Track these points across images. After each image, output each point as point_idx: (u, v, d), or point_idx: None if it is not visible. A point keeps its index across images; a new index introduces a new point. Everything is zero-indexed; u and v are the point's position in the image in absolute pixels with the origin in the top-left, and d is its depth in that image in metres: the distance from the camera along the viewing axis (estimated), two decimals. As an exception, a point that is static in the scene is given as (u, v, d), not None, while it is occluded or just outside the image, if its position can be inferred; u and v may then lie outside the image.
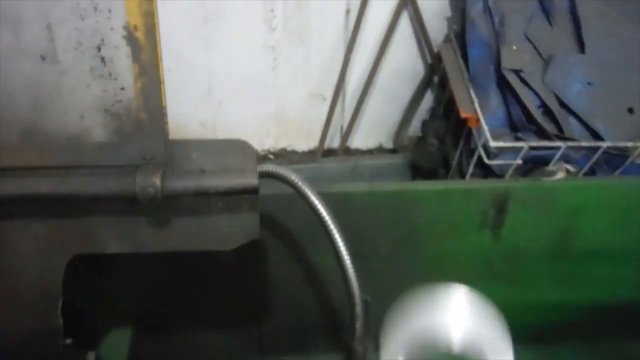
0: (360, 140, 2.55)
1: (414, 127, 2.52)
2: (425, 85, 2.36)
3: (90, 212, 1.07)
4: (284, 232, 1.52)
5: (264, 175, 1.09)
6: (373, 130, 2.61)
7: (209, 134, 2.44)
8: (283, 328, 1.75)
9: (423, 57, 2.32)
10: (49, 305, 1.12)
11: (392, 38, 2.25)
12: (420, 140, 2.29)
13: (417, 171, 2.05)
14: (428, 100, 2.44)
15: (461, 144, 1.74)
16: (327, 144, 2.53)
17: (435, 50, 2.19)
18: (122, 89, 0.98)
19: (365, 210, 1.53)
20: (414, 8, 2.13)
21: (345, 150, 2.53)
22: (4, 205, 1.04)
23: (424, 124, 2.24)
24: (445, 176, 1.90)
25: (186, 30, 2.11)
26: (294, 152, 2.62)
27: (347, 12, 2.17)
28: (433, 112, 2.20)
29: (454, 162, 1.79)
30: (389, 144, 2.64)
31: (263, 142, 2.58)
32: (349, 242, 1.15)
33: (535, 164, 1.52)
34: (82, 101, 0.98)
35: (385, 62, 2.33)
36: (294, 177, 1.11)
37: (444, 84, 2.03)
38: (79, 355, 0.97)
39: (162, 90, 0.99)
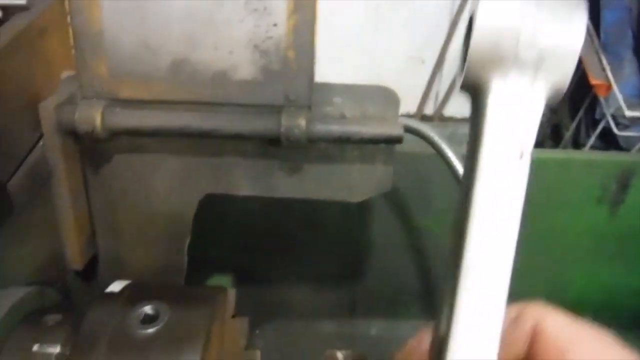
0: (455, 107, 2.48)
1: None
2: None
3: (225, 152, 1.07)
4: (395, 192, 1.49)
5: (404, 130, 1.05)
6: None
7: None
8: (376, 291, 1.73)
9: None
10: (177, 243, 1.13)
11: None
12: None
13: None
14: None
15: (581, 113, 1.65)
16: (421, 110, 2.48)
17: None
18: (275, 25, 0.95)
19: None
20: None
21: (440, 118, 2.47)
22: (144, 139, 1.05)
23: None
24: (554, 148, 1.82)
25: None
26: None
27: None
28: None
29: (568, 134, 1.71)
30: (484, 114, 2.53)
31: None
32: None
33: (669, 139, 1.43)
34: (233, 36, 0.96)
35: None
36: (435, 136, 1.07)
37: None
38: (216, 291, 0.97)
39: (315, 29, 0.96)
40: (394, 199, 1.50)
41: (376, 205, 1.52)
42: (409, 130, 1.06)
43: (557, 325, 0.47)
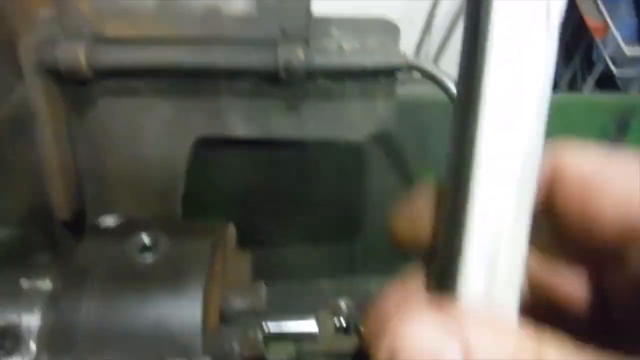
0: (446, 68, 2.41)
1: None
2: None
3: (219, 92, 1.01)
4: (393, 143, 1.44)
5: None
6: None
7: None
8: (375, 247, 1.69)
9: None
10: (169, 192, 1.08)
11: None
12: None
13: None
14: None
15: (576, 59, 1.62)
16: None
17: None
18: (269, -50, 0.90)
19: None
20: None
21: (430, 78, 2.43)
22: (132, 80, 0.99)
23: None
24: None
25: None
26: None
27: None
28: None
29: (564, 81, 1.68)
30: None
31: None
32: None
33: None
34: (225, -36, 0.91)
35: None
36: (442, 75, 1.02)
37: None
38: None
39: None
40: (392, 150, 1.46)
41: (374, 157, 1.47)
42: (411, 67, 1.01)
43: (581, 159, 0.35)
